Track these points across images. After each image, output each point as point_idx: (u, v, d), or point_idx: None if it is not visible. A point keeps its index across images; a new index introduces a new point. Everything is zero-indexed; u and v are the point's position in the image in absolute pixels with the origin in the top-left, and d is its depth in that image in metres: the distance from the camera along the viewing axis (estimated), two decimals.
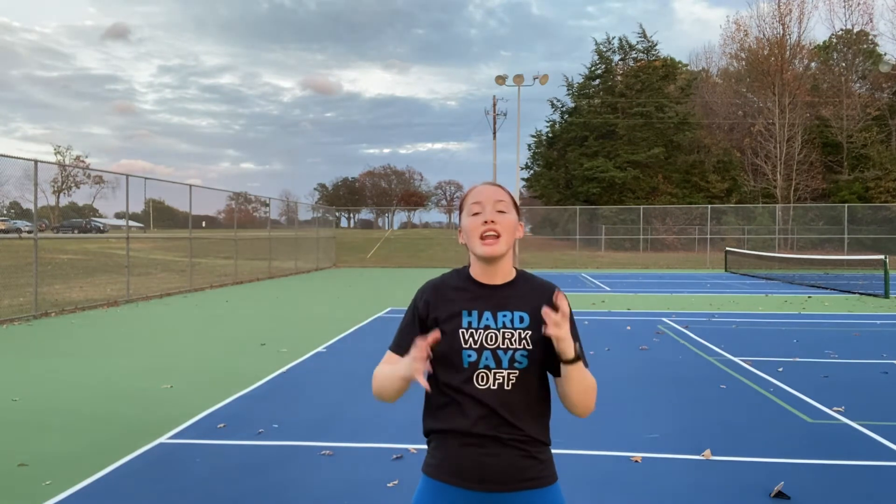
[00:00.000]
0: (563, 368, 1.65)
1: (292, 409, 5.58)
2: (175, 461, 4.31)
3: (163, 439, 4.74)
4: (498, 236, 1.71)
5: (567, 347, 1.60)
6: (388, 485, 3.87)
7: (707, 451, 4.43)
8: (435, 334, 1.61)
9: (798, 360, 7.74)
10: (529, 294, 1.76)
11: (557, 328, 1.58)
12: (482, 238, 1.71)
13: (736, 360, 7.71)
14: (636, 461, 4.29)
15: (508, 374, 1.69)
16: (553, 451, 1.82)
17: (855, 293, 16.59)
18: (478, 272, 1.78)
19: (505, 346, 1.69)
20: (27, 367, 7.31)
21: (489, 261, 1.74)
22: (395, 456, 4.36)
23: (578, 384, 1.66)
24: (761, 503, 3.64)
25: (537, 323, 1.71)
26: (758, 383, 6.54)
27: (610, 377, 6.76)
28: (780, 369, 7.18)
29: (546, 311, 1.58)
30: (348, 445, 4.60)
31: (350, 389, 6.25)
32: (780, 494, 3.70)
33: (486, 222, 1.71)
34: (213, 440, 4.75)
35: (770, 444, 4.63)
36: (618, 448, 4.56)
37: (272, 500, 3.70)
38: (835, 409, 5.56)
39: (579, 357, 1.64)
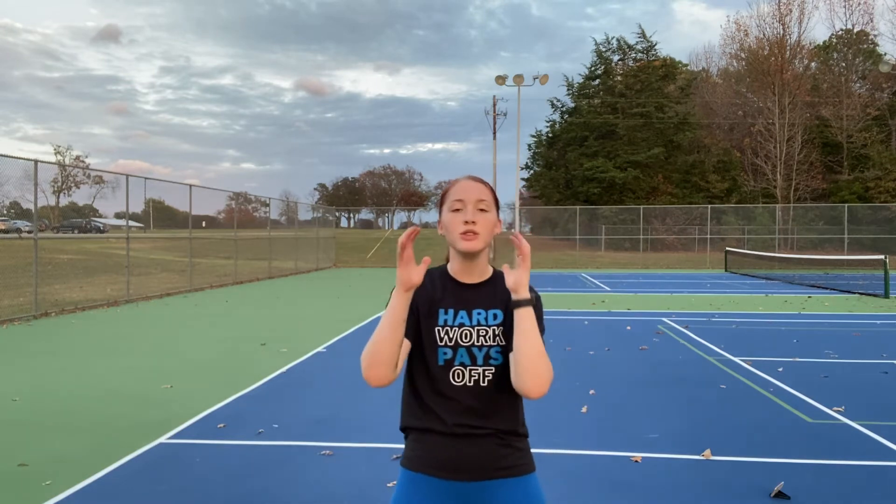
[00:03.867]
0: (516, 314, 1.62)
1: (292, 409, 5.58)
2: (175, 461, 4.31)
3: (163, 439, 4.74)
4: (477, 234, 1.72)
5: (523, 285, 1.62)
6: (388, 485, 3.87)
7: (707, 451, 4.43)
8: (416, 229, 1.60)
9: (798, 360, 7.74)
10: (504, 291, 1.76)
11: (524, 263, 1.60)
12: (462, 234, 1.72)
13: (736, 360, 7.71)
14: (636, 461, 4.28)
15: (484, 370, 1.73)
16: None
17: (855, 293, 16.59)
18: (456, 269, 1.80)
19: (479, 343, 1.73)
20: (27, 367, 7.31)
21: (468, 256, 1.76)
22: (395, 456, 4.36)
23: (530, 336, 1.61)
24: (761, 503, 3.64)
25: (511, 319, 1.71)
26: (758, 383, 6.54)
27: (610, 377, 6.76)
28: (780, 369, 7.18)
29: (517, 241, 1.60)
30: (348, 445, 4.60)
31: (350, 389, 6.25)
32: (780, 494, 3.70)
33: (466, 222, 1.72)
34: (213, 440, 4.75)
35: (770, 444, 4.63)
36: (618, 448, 4.56)
37: (272, 500, 3.70)
38: (835, 409, 5.56)
39: (532, 302, 1.63)
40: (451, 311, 1.75)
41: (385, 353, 1.59)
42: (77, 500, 3.68)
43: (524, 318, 1.62)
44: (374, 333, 1.61)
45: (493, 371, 1.73)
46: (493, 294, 1.77)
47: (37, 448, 4.56)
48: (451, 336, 1.73)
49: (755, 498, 3.70)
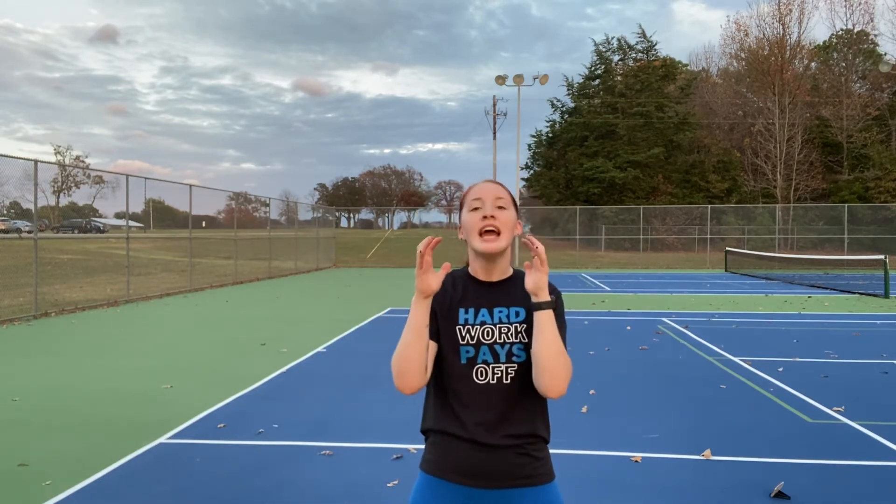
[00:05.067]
0: (537, 316, 1.64)
1: (292, 409, 5.58)
2: (175, 461, 4.31)
3: (163, 439, 4.74)
4: (498, 233, 1.72)
5: (542, 288, 1.64)
6: (388, 485, 3.87)
7: (707, 451, 4.43)
8: (437, 238, 1.64)
9: (798, 360, 7.74)
10: (525, 290, 1.76)
11: (542, 266, 1.64)
12: (481, 234, 1.72)
13: (736, 360, 7.71)
14: (636, 461, 4.29)
15: (507, 367, 1.71)
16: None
17: (855, 293, 16.58)
18: (476, 269, 1.80)
19: (502, 340, 1.72)
20: (27, 367, 7.31)
21: (488, 257, 1.75)
22: (395, 456, 4.36)
23: (549, 337, 1.63)
24: (761, 503, 3.64)
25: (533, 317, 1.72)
26: (758, 383, 6.54)
27: (610, 377, 6.76)
28: (780, 369, 7.18)
29: (536, 250, 1.63)
30: (348, 445, 4.60)
31: (350, 389, 6.25)
32: (780, 494, 3.70)
33: (485, 217, 1.72)
34: (213, 440, 4.75)
35: (770, 444, 4.63)
36: (618, 448, 4.56)
37: (272, 500, 3.70)
38: (835, 409, 5.56)
39: (552, 304, 1.65)
40: (471, 310, 1.74)
41: (412, 360, 1.63)
42: (77, 500, 3.68)
43: (544, 321, 1.64)
44: (400, 343, 1.64)
45: (515, 368, 1.71)
46: (515, 292, 1.76)
47: (37, 448, 4.56)
48: (472, 334, 1.72)
49: (755, 498, 3.70)
